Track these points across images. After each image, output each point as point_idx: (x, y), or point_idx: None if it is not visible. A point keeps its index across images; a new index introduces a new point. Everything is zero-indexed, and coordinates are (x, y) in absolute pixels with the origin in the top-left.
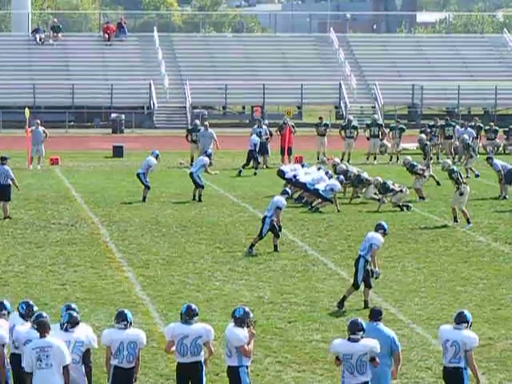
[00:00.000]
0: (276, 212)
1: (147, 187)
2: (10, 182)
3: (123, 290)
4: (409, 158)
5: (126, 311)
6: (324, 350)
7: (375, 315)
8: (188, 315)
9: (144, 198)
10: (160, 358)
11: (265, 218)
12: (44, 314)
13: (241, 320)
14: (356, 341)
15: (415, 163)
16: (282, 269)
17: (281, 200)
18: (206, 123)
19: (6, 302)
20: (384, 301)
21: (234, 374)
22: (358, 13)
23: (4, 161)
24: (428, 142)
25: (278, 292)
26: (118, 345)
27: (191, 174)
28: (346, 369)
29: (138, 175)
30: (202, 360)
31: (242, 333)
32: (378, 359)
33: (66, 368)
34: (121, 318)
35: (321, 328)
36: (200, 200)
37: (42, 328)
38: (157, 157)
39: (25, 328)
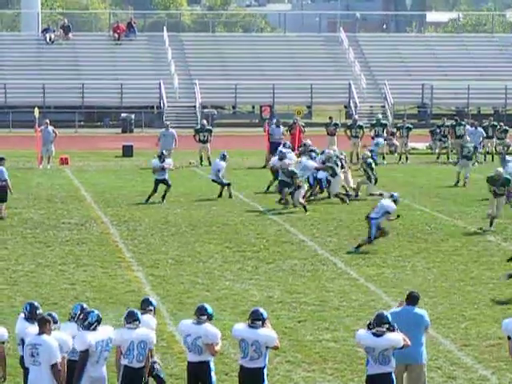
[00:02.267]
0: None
1: (226, 184)
2: (5, 183)
3: (133, 290)
4: (368, 153)
5: (136, 311)
6: (334, 350)
7: (412, 300)
8: (197, 314)
9: (220, 194)
10: (170, 357)
11: (370, 219)
12: (54, 315)
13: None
14: (380, 335)
15: (371, 161)
16: (291, 268)
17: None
18: (168, 123)
19: (151, 299)
20: (393, 300)
21: (257, 375)
22: (367, 12)
23: (1, 161)
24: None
25: (287, 291)
26: (129, 344)
27: (214, 181)
28: (369, 358)
29: (213, 181)
30: (211, 360)
31: (271, 331)
32: (408, 342)
33: (54, 366)
34: (132, 317)
35: (330, 327)
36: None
37: (41, 324)
38: (224, 157)
39: (35, 329)
